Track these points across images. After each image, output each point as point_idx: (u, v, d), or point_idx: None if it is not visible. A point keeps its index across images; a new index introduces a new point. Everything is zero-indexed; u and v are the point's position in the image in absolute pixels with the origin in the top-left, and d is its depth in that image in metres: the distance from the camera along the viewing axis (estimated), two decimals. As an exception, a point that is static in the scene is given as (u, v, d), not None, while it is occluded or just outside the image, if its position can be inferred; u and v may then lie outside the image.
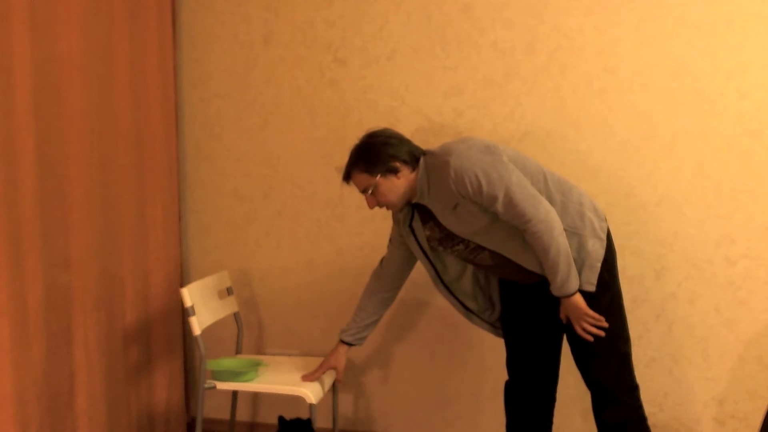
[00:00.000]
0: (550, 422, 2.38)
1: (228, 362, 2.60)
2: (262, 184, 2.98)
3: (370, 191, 2.15)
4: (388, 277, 2.42)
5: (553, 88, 2.68)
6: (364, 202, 2.86)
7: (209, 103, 3.00)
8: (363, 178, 2.15)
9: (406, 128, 2.81)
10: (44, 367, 2.21)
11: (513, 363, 2.36)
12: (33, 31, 2.13)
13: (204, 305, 2.56)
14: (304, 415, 2.46)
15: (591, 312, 2.09)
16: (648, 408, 2.73)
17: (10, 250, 2.05)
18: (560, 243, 2.02)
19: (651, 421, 2.74)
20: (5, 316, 2.04)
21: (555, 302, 2.17)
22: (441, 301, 2.85)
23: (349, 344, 2.46)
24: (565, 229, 2.07)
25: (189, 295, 2.48)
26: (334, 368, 2.49)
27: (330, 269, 2.94)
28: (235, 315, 2.84)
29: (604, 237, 2.15)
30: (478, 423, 2.89)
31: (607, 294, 2.14)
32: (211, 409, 3.08)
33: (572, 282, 2.06)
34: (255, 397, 3.09)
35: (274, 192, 2.97)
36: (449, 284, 2.36)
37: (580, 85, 2.66)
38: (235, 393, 2.91)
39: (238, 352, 2.84)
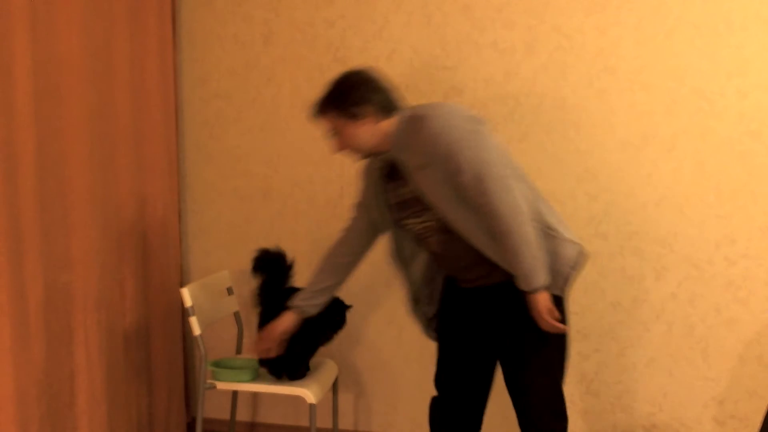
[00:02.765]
0: None
1: (228, 362, 2.61)
2: (262, 184, 2.98)
3: (335, 132, 2.06)
4: (347, 243, 2.26)
5: (553, 88, 2.68)
6: (364, 202, 2.86)
7: (209, 103, 3.00)
8: (330, 117, 2.05)
9: (406, 128, 2.81)
10: (44, 366, 2.22)
11: (442, 377, 2.23)
12: (33, 31, 2.13)
13: (204, 305, 2.56)
14: (305, 416, 2.46)
15: (556, 312, 1.95)
16: (648, 408, 2.74)
17: (10, 250, 2.05)
18: (526, 231, 1.88)
19: (651, 421, 2.75)
20: (6, 316, 2.04)
21: (494, 316, 2.07)
22: (441, 301, 2.85)
23: (299, 309, 2.26)
24: (540, 228, 1.94)
25: (189, 295, 2.48)
26: (271, 336, 2.29)
27: (330, 269, 2.94)
28: (235, 315, 2.84)
29: (578, 245, 2.03)
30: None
31: (563, 309, 2.02)
32: (211, 409, 3.08)
33: (539, 275, 1.91)
34: (255, 397, 3.09)
35: (274, 192, 2.97)
36: (405, 261, 2.21)
37: (580, 85, 2.66)
38: (235, 393, 2.91)
39: (238, 352, 2.84)
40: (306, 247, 2.95)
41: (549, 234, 1.98)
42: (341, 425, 2.98)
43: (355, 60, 2.83)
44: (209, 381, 2.48)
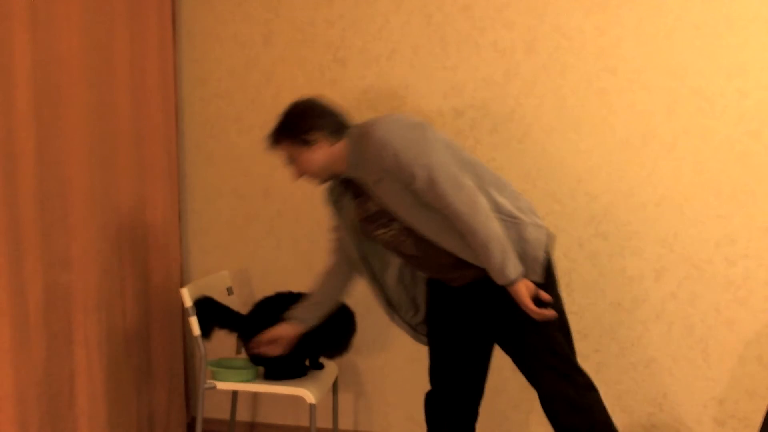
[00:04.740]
0: None
1: (228, 362, 2.61)
2: (262, 184, 2.98)
3: (291, 161, 2.12)
4: (339, 262, 2.32)
5: (553, 88, 2.68)
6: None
7: (209, 103, 2.99)
8: (283, 147, 2.12)
9: (406, 128, 2.81)
10: (44, 367, 2.21)
11: (436, 373, 2.25)
12: (33, 31, 2.13)
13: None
14: (305, 416, 2.46)
15: (540, 292, 1.96)
16: (648, 408, 2.74)
17: (10, 250, 2.05)
18: (489, 226, 1.91)
19: (651, 421, 2.74)
20: (5, 316, 2.03)
21: (485, 310, 2.09)
22: (441, 301, 2.85)
23: (299, 320, 2.33)
24: (501, 219, 1.97)
25: (189, 295, 2.48)
26: (268, 340, 2.36)
27: (330, 269, 2.94)
28: (235, 315, 2.84)
29: (544, 227, 2.06)
30: (478, 423, 2.89)
31: (552, 291, 2.04)
32: (211, 409, 3.08)
33: (510, 267, 1.92)
34: (255, 397, 3.09)
35: (274, 192, 2.97)
36: (376, 273, 2.26)
37: (580, 85, 2.66)
38: (235, 393, 2.91)
39: (238, 352, 2.84)
40: (306, 247, 2.96)
41: (512, 222, 2.00)
42: (341, 425, 2.98)
43: (355, 60, 2.83)
44: (209, 381, 2.48)
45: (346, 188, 2.17)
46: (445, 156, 1.95)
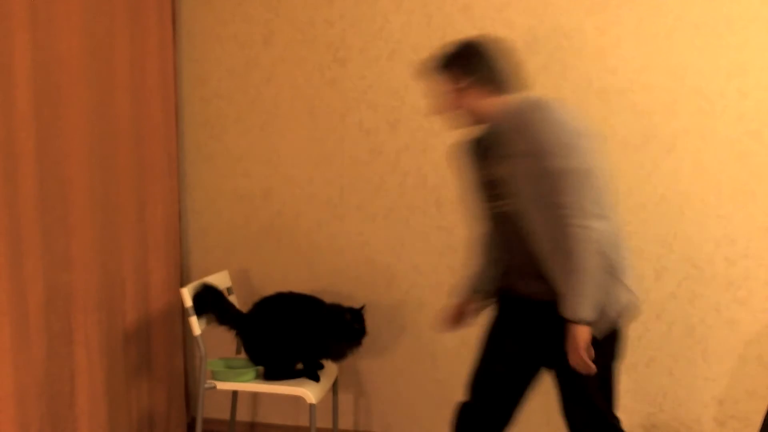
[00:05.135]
0: None
1: (228, 362, 2.61)
2: (262, 184, 2.98)
3: (446, 93, 2.00)
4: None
5: (553, 88, 2.68)
6: (365, 202, 2.87)
7: (209, 103, 3.00)
8: (445, 77, 1.99)
9: (406, 128, 2.81)
10: (45, 367, 2.22)
11: (478, 385, 2.16)
12: (33, 31, 2.13)
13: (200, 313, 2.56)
14: (305, 416, 2.46)
15: (589, 351, 1.87)
16: (648, 408, 2.74)
17: (10, 250, 2.05)
18: (590, 257, 1.82)
19: (651, 421, 2.74)
20: (6, 316, 2.04)
21: (544, 335, 1.99)
22: (441, 301, 2.85)
23: (475, 293, 2.23)
24: (607, 266, 1.87)
25: (189, 295, 2.48)
26: (461, 312, 2.26)
27: (330, 269, 2.94)
28: (235, 315, 2.84)
29: (633, 296, 1.96)
30: None
31: (604, 355, 1.95)
32: (211, 409, 3.08)
33: (586, 307, 1.84)
34: (255, 397, 3.09)
35: (274, 192, 2.97)
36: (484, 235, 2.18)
37: (580, 85, 2.66)
38: (235, 393, 2.91)
39: (238, 352, 2.84)
40: (306, 247, 2.96)
41: (611, 273, 1.90)
42: (341, 425, 2.98)
43: (355, 60, 2.83)
44: (209, 381, 2.48)
45: (477, 146, 2.08)
46: (587, 171, 1.84)
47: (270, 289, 2.68)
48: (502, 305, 2.16)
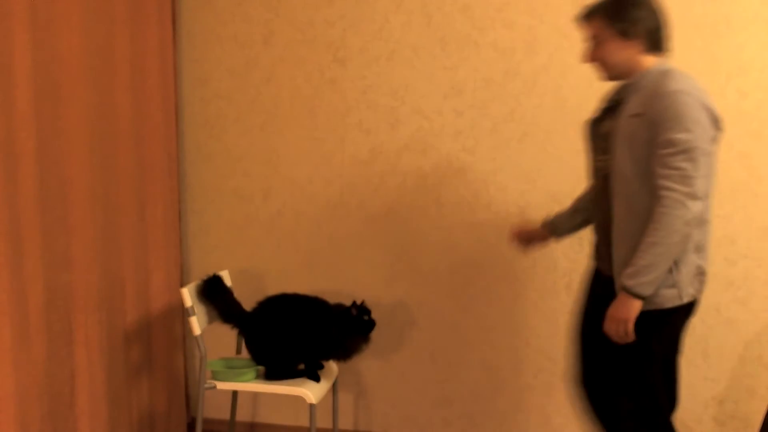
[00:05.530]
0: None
1: (228, 362, 2.61)
2: (262, 184, 2.98)
3: (594, 42, 1.99)
4: None
5: (553, 88, 2.68)
6: (364, 202, 2.87)
7: (209, 103, 3.00)
8: (597, 25, 1.97)
9: (406, 128, 2.81)
10: (45, 367, 2.22)
11: (577, 358, 2.21)
12: (33, 31, 2.13)
13: (204, 305, 2.56)
14: (305, 416, 2.46)
15: (630, 325, 1.86)
16: (648, 408, 2.74)
17: (10, 250, 2.05)
18: (672, 237, 1.80)
19: (651, 420, 2.74)
20: (6, 316, 2.04)
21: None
22: (441, 301, 2.85)
23: (551, 224, 2.31)
24: (694, 245, 1.88)
25: (189, 295, 2.48)
26: (531, 237, 2.34)
27: (330, 269, 2.94)
28: (236, 315, 2.84)
29: (704, 282, 1.98)
30: (478, 423, 2.89)
31: (655, 340, 1.94)
32: (211, 409, 3.08)
33: (646, 282, 1.82)
34: (255, 397, 3.09)
35: (274, 192, 2.97)
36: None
37: (580, 85, 2.66)
38: (235, 393, 2.90)
39: (238, 352, 2.84)
40: (306, 247, 2.96)
41: (696, 252, 1.92)
42: (341, 425, 2.98)
43: (355, 60, 2.83)
44: (209, 381, 2.48)
45: (609, 98, 2.08)
46: (705, 153, 1.83)
47: (270, 289, 2.68)
48: (592, 285, 2.18)
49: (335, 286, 2.93)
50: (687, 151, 1.80)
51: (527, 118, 2.71)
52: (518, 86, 2.71)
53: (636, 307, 1.85)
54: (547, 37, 2.67)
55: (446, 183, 2.80)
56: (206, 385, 2.47)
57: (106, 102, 2.50)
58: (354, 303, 2.55)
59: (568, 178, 2.70)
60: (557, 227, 2.32)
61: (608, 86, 2.64)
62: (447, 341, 2.87)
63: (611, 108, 2.04)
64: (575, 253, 2.72)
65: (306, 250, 2.96)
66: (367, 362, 2.95)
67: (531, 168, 2.73)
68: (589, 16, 2.00)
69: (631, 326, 1.86)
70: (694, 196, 1.80)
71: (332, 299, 2.62)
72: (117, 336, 2.59)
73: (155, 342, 2.84)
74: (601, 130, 2.05)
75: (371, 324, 2.53)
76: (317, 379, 2.49)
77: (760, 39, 2.51)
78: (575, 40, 2.65)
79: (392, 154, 2.84)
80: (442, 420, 2.92)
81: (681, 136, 1.80)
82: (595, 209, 2.12)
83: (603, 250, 2.07)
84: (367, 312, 2.53)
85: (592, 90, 2.66)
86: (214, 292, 2.56)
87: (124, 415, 2.64)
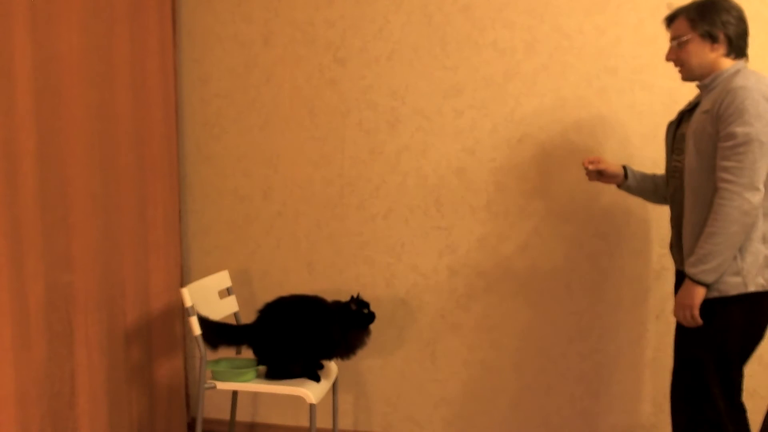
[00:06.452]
0: None
1: (228, 362, 2.61)
2: (262, 184, 2.98)
3: (678, 42, 2.05)
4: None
5: (553, 88, 2.68)
6: (364, 202, 2.87)
7: (209, 103, 3.00)
8: (682, 26, 2.04)
9: (406, 128, 2.81)
10: (45, 367, 2.22)
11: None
12: (33, 31, 2.13)
13: (204, 305, 2.56)
14: (305, 416, 2.46)
15: (696, 311, 1.96)
16: (648, 408, 2.74)
17: (10, 250, 2.05)
18: (731, 227, 1.88)
19: (651, 421, 2.74)
20: (6, 316, 2.04)
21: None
22: (441, 301, 2.85)
23: (625, 173, 2.34)
24: (751, 238, 1.92)
25: (189, 295, 2.48)
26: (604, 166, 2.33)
27: (330, 269, 2.94)
28: (235, 315, 2.84)
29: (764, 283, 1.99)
30: (478, 423, 2.89)
31: (730, 328, 2.00)
32: (211, 409, 3.08)
33: (710, 269, 1.91)
34: (255, 397, 3.09)
35: (274, 192, 2.97)
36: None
37: (580, 85, 2.66)
38: (235, 393, 2.90)
39: (238, 352, 2.84)
40: (306, 247, 2.96)
41: (763, 243, 1.95)
42: (341, 425, 2.98)
43: (355, 60, 2.83)
44: (209, 381, 2.48)
45: (693, 102, 2.14)
46: (763, 144, 1.87)
47: (270, 289, 2.68)
48: (676, 284, 2.24)
49: (335, 286, 2.93)
50: (746, 144, 1.87)
51: (527, 118, 2.71)
52: (518, 86, 2.71)
53: (700, 293, 1.95)
54: (547, 37, 2.67)
55: (446, 183, 2.80)
56: (206, 385, 2.47)
57: (106, 102, 2.50)
58: (352, 297, 2.55)
59: (568, 178, 2.70)
60: (630, 177, 2.35)
61: (608, 86, 2.65)
62: (447, 341, 2.87)
63: (689, 111, 2.13)
64: (575, 253, 2.72)
65: (306, 250, 2.96)
66: (367, 362, 2.96)
67: (530, 168, 2.73)
68: (675, 16, 2.06)
69: (696, 312, 1.97)
70: (752, 188, 1.87)
71: (332, 299, 2.63)
72: (117, 336, 2.59)
73: (155, 342, 2.84)
74: (679, 132, 2.14)
75: (371, 316, 2.54)
76: (317, 379, 2.49)
77: (760, 39, 2.51)
78: (575, 40, 2.65)
79: (392, 154, 2.84)
80: (442, 420, 2.92)
81: (741, 129, 1.87)
82: (671, 206, 2.20)
83: (675, 245, 2.16)
84: (366, 305, 2.54)
85: (592, 90, 2.66)
86: (215, 336, 2.54)
87: (124, 415, 2.64)
